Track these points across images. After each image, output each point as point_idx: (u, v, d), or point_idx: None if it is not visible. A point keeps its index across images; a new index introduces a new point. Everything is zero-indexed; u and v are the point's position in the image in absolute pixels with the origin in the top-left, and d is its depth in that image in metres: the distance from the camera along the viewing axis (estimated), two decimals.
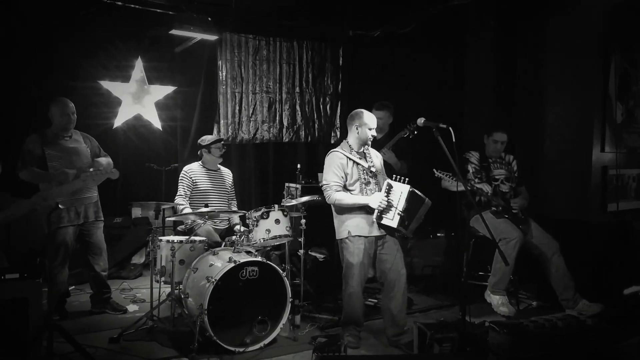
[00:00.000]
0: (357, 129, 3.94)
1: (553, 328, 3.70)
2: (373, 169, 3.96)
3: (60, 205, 4.17)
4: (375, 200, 3.75)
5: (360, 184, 3.88)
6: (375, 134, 3.98)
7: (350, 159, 3.91)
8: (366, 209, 3.83)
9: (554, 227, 4.81)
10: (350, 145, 3.98)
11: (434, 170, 4.21)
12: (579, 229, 5.14)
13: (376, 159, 4.09)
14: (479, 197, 4.75)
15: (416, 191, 3.84)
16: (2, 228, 4.64)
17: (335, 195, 3.82)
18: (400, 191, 3.76)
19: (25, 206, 3.53)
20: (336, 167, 3.87)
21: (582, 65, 5.41)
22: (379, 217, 3.77)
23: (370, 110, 4.21)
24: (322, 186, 3.95)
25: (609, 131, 5.46)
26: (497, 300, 4.64)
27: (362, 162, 3.94)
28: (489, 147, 4.91)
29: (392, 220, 3.74)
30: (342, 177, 3.87)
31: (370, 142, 4.00)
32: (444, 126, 3.55)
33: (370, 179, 3.92)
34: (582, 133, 5.44)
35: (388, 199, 3.74)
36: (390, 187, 3.79)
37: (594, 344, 3.56)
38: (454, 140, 3.47)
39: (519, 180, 4.96)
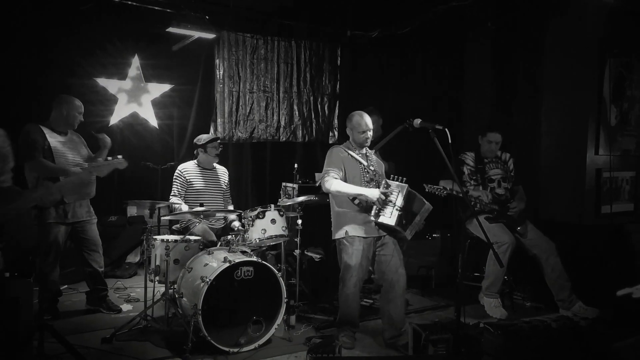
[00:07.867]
0: (350, 131, 4.00)
1: (547, 329, 3.71)
2: (372, 168, 3.98)
3: (65, 200, 4.13)
4: (373, 193, 3.74)
5: (361, 182, 3.89)
6: (368, 136, 3.97)
7: (351, 155, 3.94)
8: (364, 209, 3.83)
9: (547, 229, 4.83)
10: (352, 145, 4.02)
11: (424, 185, 4.20)
12: (573, 231, 5.17)
13: (377, 164, 4.10)
14: (474, 201, 4.74)
15: (415, 192, 3.85)
16: None
17: (332, 182, 3.81)
18: (398, 189, 3.77)
19: (33, 198, 3.26)
20: (336, 160, 3.92)
21: (578, 68, 5.43)
22: (377, 215, 3.76)
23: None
24: (321, 179, 3.95)
25: (603, 134, 5.49)
26: (490, 303, 4.65)
27: (363, 160, 3.96)
28: (484, 147, 4.91)
29: (389, 218, 3.73)
30: (341, 170, 3.89)
31: (367, 144, 4.01)
32: (440, 127, 3.54)
33: (370, 178, 3.93)
34: (577, 136, 5.46)
35: (386, 196, 3.74)
36: (388, 185, 3.79)
37: (587, 345, 3.57)
38: (450, 141, 3.46)
39: (515, 179, 4.96)
